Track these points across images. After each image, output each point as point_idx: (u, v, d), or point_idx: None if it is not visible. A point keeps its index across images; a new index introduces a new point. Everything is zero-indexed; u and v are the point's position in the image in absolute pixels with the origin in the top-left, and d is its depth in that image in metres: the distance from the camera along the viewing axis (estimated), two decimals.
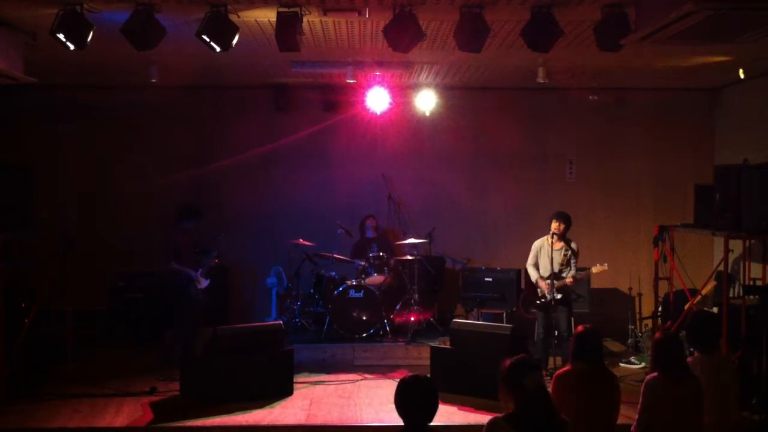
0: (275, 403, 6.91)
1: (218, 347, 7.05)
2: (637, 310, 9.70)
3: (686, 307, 8.13)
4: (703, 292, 8.19)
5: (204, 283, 8.33)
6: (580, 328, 4.81)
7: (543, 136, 10.25)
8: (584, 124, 10.22)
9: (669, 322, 8.48)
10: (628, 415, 5.12)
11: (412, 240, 9.09)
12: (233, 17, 5.97)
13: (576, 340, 4.71)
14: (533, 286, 7.87)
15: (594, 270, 7.74)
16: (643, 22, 5.48)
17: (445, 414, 6.46)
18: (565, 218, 7.65)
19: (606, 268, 7.72)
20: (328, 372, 8.01)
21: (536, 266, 7.82)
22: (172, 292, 8.36)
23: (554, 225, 7.63)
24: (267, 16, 6.20)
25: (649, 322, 9.44)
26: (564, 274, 7.66)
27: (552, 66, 8.09)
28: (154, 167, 9.90)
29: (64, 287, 8.11)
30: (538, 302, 7.75)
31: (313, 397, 7.15)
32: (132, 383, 7.46)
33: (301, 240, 9.20)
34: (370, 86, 9.01)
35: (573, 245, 7.71)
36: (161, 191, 9.71)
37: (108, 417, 6.53)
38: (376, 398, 7.09)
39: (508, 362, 3.72)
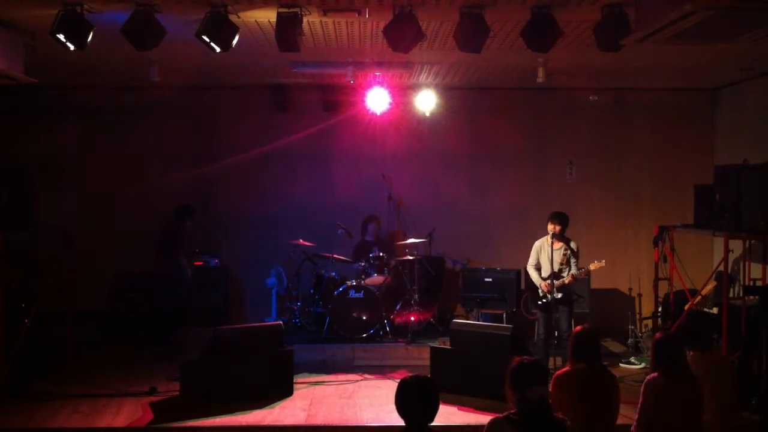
0: (275, 403, 6.91)
1: (218, 347, 7.05)
2: (637, 310, 9.71)
3: (686, 307, 8.13)
4: (703, 292, 8.18)
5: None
6: (578, 328, 4.82)
7: (543, 136, 10.25)
8: (584, 124, 10.21)
9: (669, 322, 8.48)
10: (628, 415, 5.13)
11: (412, 240, 9.10)
12: (233, 17, 5.98)
13: (574, 340, 4.72)
14: (534, 287, 7.86)
15: (592, 267, 7.71)
16: (643, 22, 5.48)
17: (445, 414, 6.46)
18: (561, 218, 7.63)
19: (603, 264, 7.69)
20: (328, 372, 8.01)
21: (537, 267, 7.81)
22: (167, 290, 8.42)
23: (550, 226, 7.61)
24: (267, 16, 6.20)
25: (649, 322, 9.44)
26: (563, 274, 7.66)
27: (552, 66, 8.09)
28: (154, 167, 9.90)
29: (64, 287, 8.12)
30: (539, 302, 7.74)
31: (313, 397, 7.15)
32: (132, 383, 7.47)
33: (301, 240, 9.20)
34: (370, 86, 8.99)
35: (572, 244, 7.71)
36: (161, 191, 9.71)
37: (108, 417, 6.54)
38: (376, 398, 7.09)
39: (516, 362, 3.72)
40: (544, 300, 7.68)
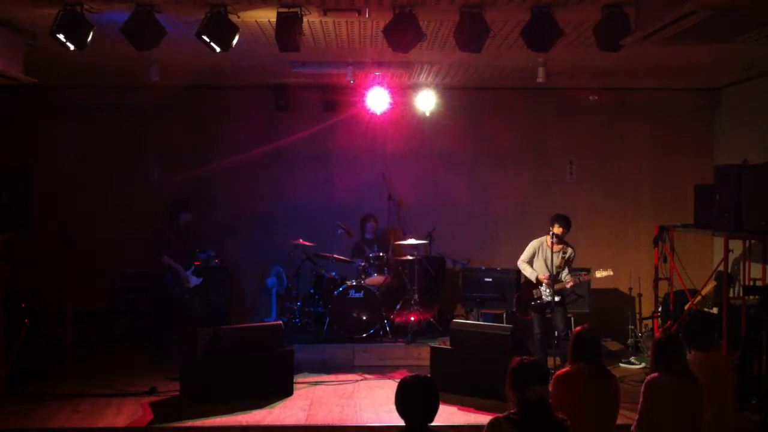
0: (275, 403, 6.91)
1: (218, 347, 7.05)
2: (637, 310, 9.71)
3: (686, 307, 8.13)
4: (703, 292, 8.19)
5: (194, 281, 8.33)
6: (578, 328, 4.82)
7: (543, 136, 10.25)
8: (584, 124, 10.21)
9: (669, 322, 8.48)
10: (628, 415, 5.13)
11: (412, 240, 9.09)
12: (233, 17, 5.97)
13: (574, 340, 4.73)
14: (527, 288, 7.85)
15: (598, 275, 7.67)
16: (643, 22, 5.48)
17: (445, 414, 6.46)
18: (567, 223, 7.57)
19: (611, 273, 7.65)
20: (328, 372, 8.01)
21: (530, 264, 7.79)
22: (157, 290, 8.41)
23: (557, 228, 7.55)
24: (267, 16, 6.20)
25: (649, 322, 9.45)
26: (561, 277, 7.64)
27: (552, 66, 8.09)
28: (154, 167, 9.91)
29: (64, 287, 8.12)
30: (533, 303, 7.73)
31: (313, 397, 7.16)
32: (132, 383, 7.47)
33: (301, 240, 9.21)
34: (370, 86, 9.00)
35: (571, 248, 7.70)
36: (161, 191, 9.71)
37: (108, 417, 6.54)
38: (376, 398, 7.09)
39: (516, 362, 3.73)
40: (538, 301, 7.67)
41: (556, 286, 7.56)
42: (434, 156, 10.15)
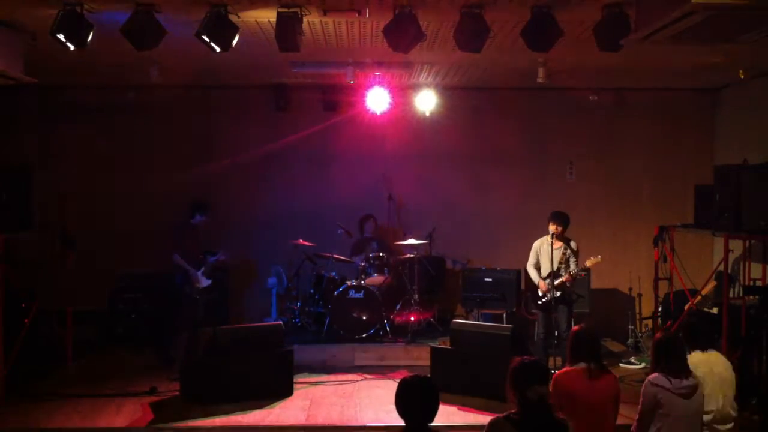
0: (275, 403, 6.91)
1: (218, 347, 7.05)
2: (637, 310, 9.71)
3: (686, 307, 8.13)
4: (703, 292, 8.19)
5: (204, 282, 8.31)
6: (575, 328, 4.83)
7: (543, 136, 10.25)
8: (584, 124, 10.22)
9: (669, 322, 8.48)
10: (628, 415, 5.13)
11: (412, 240, 9.10)
12: (233, 17, 5.97)
13: (573, 340, 4.73)
14: (534, 286, 7.87)
15: (588, 263, 7.69)
16: (643, 22, 5.48)
17: (445, 414, 6.46)
18: (561, 219, 7.62)
19: (600, 260, 7.67)
20: (328, 372, 8.00)
21: (537, 266, 7.81)
22: (169, 290, 8.38)
23: (552, 226, 7.61)
24: (267, 16, 6.20)
25: (649, 322, 9.45)
26: (562, 273, 7.66)
27: (552, 66, 8.08)
28: (154, 167, 9.90)
29: (64, 287, 8.12)
30: (539, 302, 7.75)
31: (313, 397, 7.15)
32: (132, 383, 7.47)
33: (301, 240, 9.21)
34: (370, 86, 9.00)
35: (572, 244, 7.71)
36: (161, 191, 9.72)
37: (108, 417, 6.54)
38: (376, 398, 7.09)
39: (516, 362, 3.73)
40: (543, 299, 7.69)
41: (556, 282, 7.57)
42: (434, 156, 10.15)
